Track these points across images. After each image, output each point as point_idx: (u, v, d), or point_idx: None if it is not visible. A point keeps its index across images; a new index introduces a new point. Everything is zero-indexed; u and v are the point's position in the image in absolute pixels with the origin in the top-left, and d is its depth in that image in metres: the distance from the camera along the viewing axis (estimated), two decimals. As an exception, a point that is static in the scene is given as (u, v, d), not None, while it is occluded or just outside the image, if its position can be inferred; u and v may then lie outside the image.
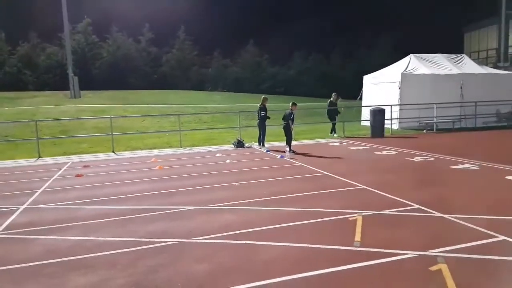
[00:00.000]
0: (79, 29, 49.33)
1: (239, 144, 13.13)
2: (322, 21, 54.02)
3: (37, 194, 7.19)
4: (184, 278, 3.55)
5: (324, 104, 17.11)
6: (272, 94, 43.33)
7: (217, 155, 11.35)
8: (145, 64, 51.70)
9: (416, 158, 9.72)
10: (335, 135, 15.27)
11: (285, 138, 11.44)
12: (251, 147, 13.01)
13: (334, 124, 15.54)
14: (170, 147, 13.76)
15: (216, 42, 53.39)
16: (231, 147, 13.16)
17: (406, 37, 47.21)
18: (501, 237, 4.18)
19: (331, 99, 15.84)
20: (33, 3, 45.14)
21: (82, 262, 3.99)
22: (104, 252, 4.23)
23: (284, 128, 11.43)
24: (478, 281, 3.33)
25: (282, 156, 10.52)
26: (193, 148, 13.45)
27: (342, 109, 16.18)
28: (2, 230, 5.09)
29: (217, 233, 4.64)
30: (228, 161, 10.12)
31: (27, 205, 6.37)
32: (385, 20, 53.54)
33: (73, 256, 4.14)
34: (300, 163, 9.41)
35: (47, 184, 8.08)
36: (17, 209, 6.11)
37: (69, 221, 5.39)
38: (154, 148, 13.60)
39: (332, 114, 15.59)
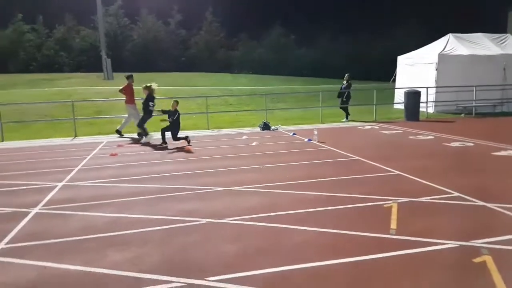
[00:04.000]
0: (111, 11, 50.07)
1: (265, 126, 13.03)
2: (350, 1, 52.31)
3: (74, 171, 7.41)
4: (214, 257, 3.56)
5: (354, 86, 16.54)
6: (299, 76, 42.69)
7: (244, 137, 11.31)
8: (174, 46, 52.09)
9: (454, 143, 9.30)
10: (344, 120, 14.64)
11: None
12: (277, 130, 12.88)
13: (344, 109, 14.77)
14: (198, 129, 13.86)
15: (242, 24, 52.92)
16: (257, 129, 13.09)
17: (443, 16, 45.09)
18: (549, 229, 3.91)
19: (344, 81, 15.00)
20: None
21: (117, 239, 4.08)
22: (138, 229, 4.30)
23: None
24: (526, 275, 3.12)
25: (309, 140, 10.35)
26: (220, 130, 13.48)
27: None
28: (43, 206, 5.28)
29: (246, 215, 4.61)
30: (254, 143, 10.07)
31: (66, 182, 6.57)
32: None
33: (109, 233, 4.24)
34: (329, 147, 9.22)
35: (83, 162, 8.32)
36: (56, 186, 6.32)
37: (104, 198, 5.53)
38: (182, 130, 13.69)
39: (342, 97, 14.70)
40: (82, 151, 9.72)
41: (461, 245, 3.64)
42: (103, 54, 31.74)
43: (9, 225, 4.53)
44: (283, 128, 12.86)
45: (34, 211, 5.05)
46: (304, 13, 51.10)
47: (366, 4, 53.23)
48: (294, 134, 11.68)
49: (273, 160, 7.97)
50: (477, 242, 3.67)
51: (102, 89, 23.48)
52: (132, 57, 49.09)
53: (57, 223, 4.62)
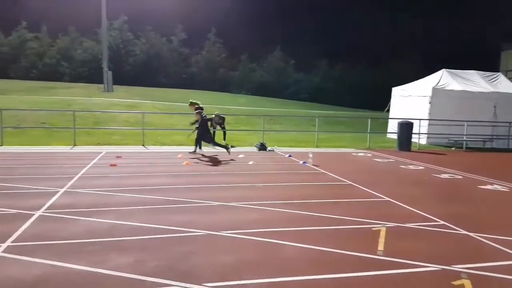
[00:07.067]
0: (116, 26, 51.03)
1: (262, 147, 13.33)
2: (350, 30, 53.98)
3: (75, 179, 7.60)
4: (211, 266, 3.76)
5: (347, 113, 17.04)
6: (296, 100, 43.52)
7: (240, 156, 11.57)
8: (175, 63, 52.90)
9: (443, 175, 9.64)
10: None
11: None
12: (273, 151, 13.17)
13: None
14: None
15: (244, 46, 54.20)
16: (254, 149, 13.37)
17: (439, 51, 46.57)
18: (527, 259, 4.17)
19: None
20: (74, -1, 47.03)
21: (118, 244, 4.28)
22: (137, 236, 4.50)
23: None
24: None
25: (305, 162, 10.63)
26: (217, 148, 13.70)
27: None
28: (45, 209, 5.46)
29: (242, 229, 4.83)
30: (251, 162, 10.33)
31: (67, 188, 6.76)
32: (417, 33, 52.99)
33: (111, 238, 4.44)
34: (323, 171, 9.50)
35: (83, 170, 8.51)
36: (58, 191, 6.50)
37: (105, 206, 5.73)
38: (181, 145, 13.97)
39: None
40: (82, 159, 9.91)
41: (442, 269, 3.88)
42: (105, 66, 32.16)
43: (14, 225, 4.71)
44: (279, 150, 13.14)
45: (37, 213, 5.24)
46: (303, 39, 52.56)
47: (365, 33, 54.85)
48: (289, 156, 11.97)
49: (269, 179, 8.23)
50: (458, 267, 3.91)
51: (101, 101, 23.73)
52: (133, 71, 49.75)
53: (61, 226, 4.80)
